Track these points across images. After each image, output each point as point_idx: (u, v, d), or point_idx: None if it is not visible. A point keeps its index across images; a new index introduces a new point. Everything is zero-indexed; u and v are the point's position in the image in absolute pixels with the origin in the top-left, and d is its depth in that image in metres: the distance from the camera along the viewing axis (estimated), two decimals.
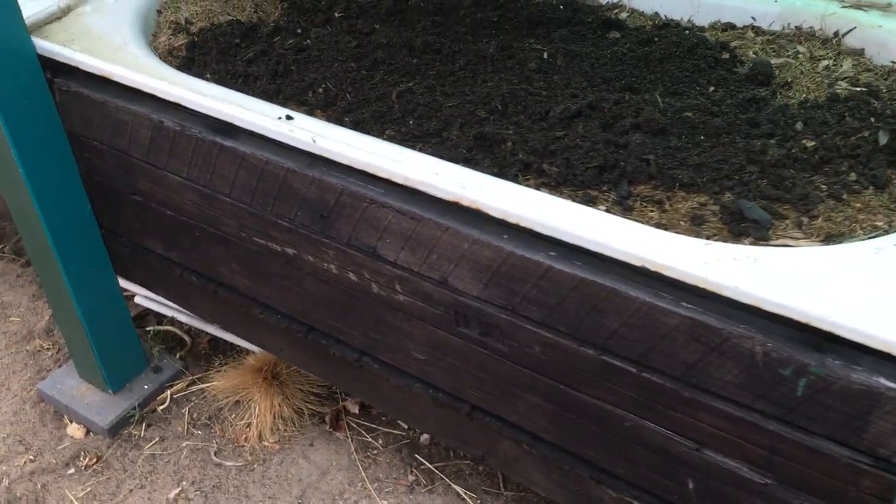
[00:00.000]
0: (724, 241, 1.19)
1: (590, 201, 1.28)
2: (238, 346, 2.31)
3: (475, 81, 1.59)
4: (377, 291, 1.47)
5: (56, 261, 1.86)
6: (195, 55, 1.71)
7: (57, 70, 1.70)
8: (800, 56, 1.57)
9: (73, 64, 1.64)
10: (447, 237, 1.30)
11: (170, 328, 2.37)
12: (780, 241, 1.19)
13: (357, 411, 2.13)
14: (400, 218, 1.35)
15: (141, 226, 1.84)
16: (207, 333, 2.37)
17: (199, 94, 1.50)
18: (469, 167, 1.34)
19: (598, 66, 1.60)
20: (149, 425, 2.13)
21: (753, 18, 1.70)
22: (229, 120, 1.49)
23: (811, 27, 1.66)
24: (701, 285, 1.09)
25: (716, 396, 1.16)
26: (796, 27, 1.67)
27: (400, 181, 1.32)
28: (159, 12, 1.85)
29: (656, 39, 1.67)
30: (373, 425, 2.11)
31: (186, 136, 1.56)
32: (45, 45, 1.66)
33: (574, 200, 1.27)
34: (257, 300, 1.74)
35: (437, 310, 1.41)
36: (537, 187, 1.32)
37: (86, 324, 1.99)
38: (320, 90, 1.59)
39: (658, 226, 1.24)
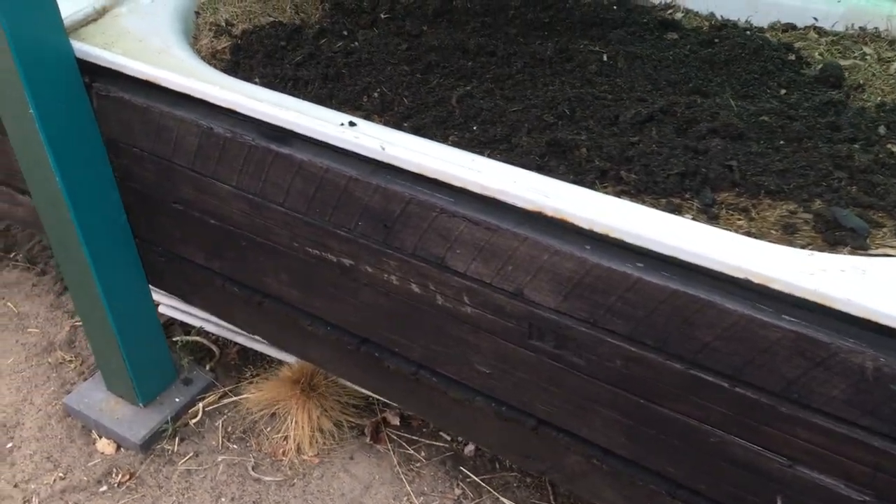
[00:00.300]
0: (821, 250, 1.15)
1: (674, 210, 1.23)
2: (269, 356, 2.25)
3: (535, 85, 1.54)
4: (442, 303, 1.42)
5: (90, 270, 1.80)
6: (240, 58, 1.65)
7: (96, 74, 1.63)
8: (867, 58, 1.54)
9: (116, 68, 1.57)
10: (525, 248, 1.26)
11: (198, 338, 2.30)
12: (879, 251, 1.15)
13: (398, 423, 2.08)
14: (473, 228, 1.30)
15: (181, 235, 1.78)
16: (236, 343, 2.30)
17: (255, 99, 1.44)
18: (545, 174, 1.29)
19: (661, 69, 1.56)
20: (182, 440, 2.07)
21: (815, 19, 1.67)
22: (287, 126, 1.43)
23: (875, 28, 1.63)
24: (810, 298, 1.05)
25: (817, 412, 1.12)
26: (860, 28, 1.64)
27: (476, 190, 1.27)
28: (197, 14, 1.78)
29: (717, 41, 1.63)
30: (414, 437, 2.06)
31: (238, 142, 1.50)
32: (85, 49, 1.59)
33: (658, 209, 1.23)
34: (306, 311, 1.68)
35: (509, 322, 1.36)
36: (617, 195, 1.27)
37: (118, 335, 1.92)
38: (375, 94, 1.53)
39: (748, 235, 1.19)
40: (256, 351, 2.27)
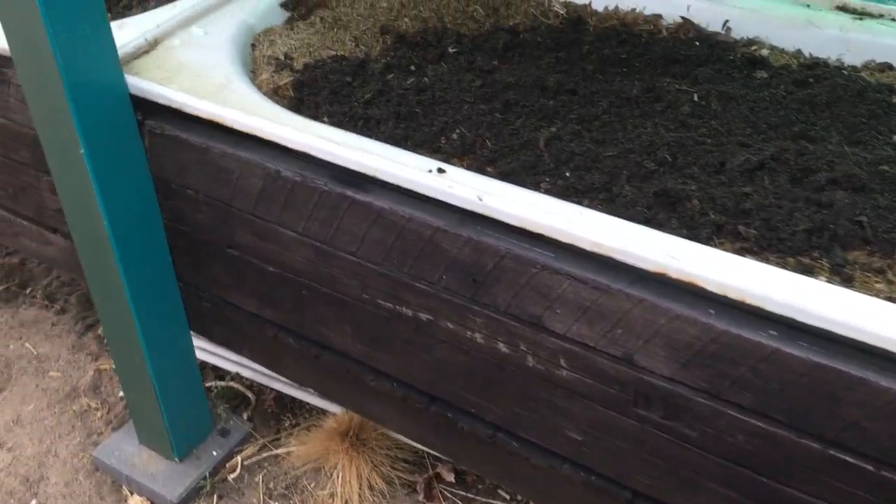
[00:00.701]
0: None
1: (805, 271, 1.13)
2: (309, 404, 2.12)
3: (625, 126, 1.44)
4: (532, 365, 1.31)
5: (132, 317, 1.67)
6: (304, 95, 1.53)
7: (149, 111, 1.52)
8: None
9: (175, 106, 1.46)
10: (639, 311, 1.14)
11: (233, 384, 2.17)
12: None
13: (452, 479, 1.95)
14: (578, 287, 1.19)
15: (232, 281, 1.66)
16: (272, 390, 2.17)
17: (331, 142, 1.33)
18: (656, 229, 1.18)
19: (758, 111, 1.46)
20: (220, 497, 1.93)
21: None
22: (366, 172, 1.32)
23: None
24: None
25: None
26: None
27: (587, 247, 1.16)
28: (253, 46, 1.67)
29: (811, 80, 1.54)
30: (469, 494, 1.93)
31: (309, 187, 1.38)
32: (141, 85, 1.48)
33: (786, 269, 1.12)
34: (370, 366, 1.56)
35: (611, 388, 1.24)
36: (737, 252, 1.17)
37: (156, 384, 1.79)
38: (454, 136, 1.43)
39: (890, 300, 1.09)
40: (294, 398, 2.14)
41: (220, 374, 2.21)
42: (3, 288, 2.59)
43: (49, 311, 2.50)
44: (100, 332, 2.39)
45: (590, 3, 1.83)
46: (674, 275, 1.10)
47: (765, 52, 1.65)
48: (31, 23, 1.30)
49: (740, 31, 1.74)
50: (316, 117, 1.50)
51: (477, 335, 1.34)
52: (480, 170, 1.38)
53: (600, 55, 1.66)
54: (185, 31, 1.65)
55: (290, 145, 1.37)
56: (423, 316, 1.39)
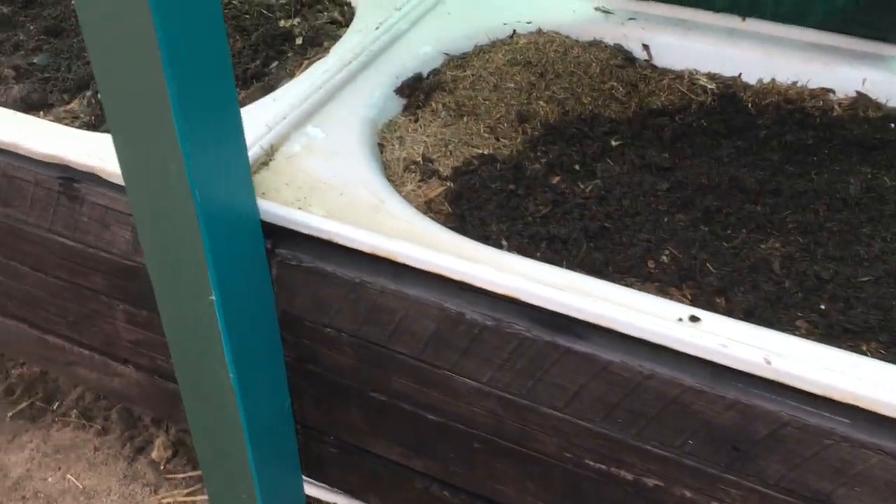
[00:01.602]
0: None
1: None
2: None
3: (858, 238, 1.24)
4: None
5: (248, 466, 1.39)
6: (464, 209, 1.29)
7: (280, 238, 1.25)
8: None
9: (325, 236, 1.19)
10: None
11: None
12: None
13: None
14: (891, 463, 0.96)
15: (371, 427, 1.39)
16: None
17: (541, 282, 1.09)
18: None
19: None
20: None
21: None
22: (589, 318, 1.07)
23: None
24: None
25: None
26: None
27: None
28: (381, 146, 1.41)
29: None
30: None
31: (504, 333, 1.13)
32: (277, 210, 1.21)
33: None
34: None
35: None
36: None
37: None
38: (663, 258, 1.20)
39: None
40: None
41: None
42: (27, 404, 2.24)
43: (87, 433, 2.17)
44: (153, 456, 2.08)
45: (739, 76, 1.62)
46: None
47: None
48: (161, 146, 1.02)
49: None
50: (485, 237, 1.26)
51: None
52: (709, 303, 1.15)
53: (782, 142, 1.45)
54: (300, 132, 1.38)
55: (486, 286, 1.11)
56: (649, 481, 1.15)
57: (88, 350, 1.66)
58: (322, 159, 1.32)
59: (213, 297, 1.15)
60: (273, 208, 1.21)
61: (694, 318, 1.04)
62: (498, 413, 1.22)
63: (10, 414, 2.22)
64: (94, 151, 1.34)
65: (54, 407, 2.25)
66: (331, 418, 1.43)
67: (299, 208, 1.22)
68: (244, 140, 1.12)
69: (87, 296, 1.53)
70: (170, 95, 0.96)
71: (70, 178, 1.40)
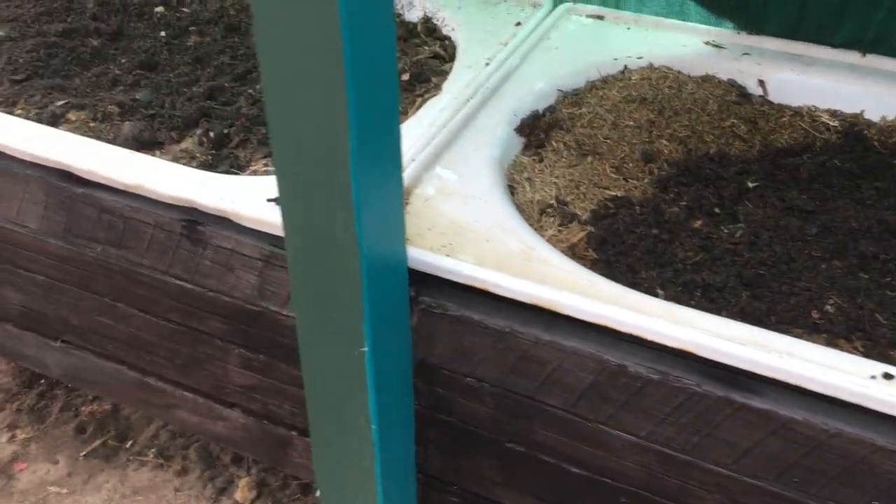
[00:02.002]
0: None
1: None
2: None
3: None
4: None
5: None
6: (610, 256, 1.25)
7: (423, 285, 1.21)
8: None
9: (477, 285, 1.15)
10: None
11: None
12: None
13: None
14: None
15: (503, 478, 1.34)
16: None
17: (716, 335, 1.04)
18: None
19: None
20: None
21: None
22: (769, 374, 1.03)
23: None
24: None
25: None
26: None
27: None
28: (512, 189, 1.38)
29: None
30: None
31: (670, 387, 1.09)
32: (424, 258, 1.18)
33: None
34: None
35: None
36: None
37: None
38: (828, 308, 1.15)
39: None
40: None
41: None
42: (100, 443, 2.20)
43: (167, 472, 2.12)
44: (237, 497, 2.03)
45: (861, 113, 1.58)
46: None
47: None
48: (332, 196, 0.99)
49: None
50: (636, 283, 1.21)
51: None
52: (884, 355, 1.11)
53: None
54: (431, 174, 1.35)
55: (658, 339, 1.07)
56: None
57: (192, 393, 1.62)
58: (460, 203, 1.29)
59: (366, 349, 1.11)
60: (421, 255, 1.18)
61: (888, 376, 0.99)
62: (653, 468, 1.17)
63: (83, 453, 2.18)
64: (226, 194, 1.31)
65: (128, 445, 2.20)
66: (456, 468, 1.38)
67: (447, 255, 1.18)
68: (402, 188, 1.09)
69: (200, 339, 1.49)
70: (350, 149, 0.93)
71: (194, 221, 1.36)
